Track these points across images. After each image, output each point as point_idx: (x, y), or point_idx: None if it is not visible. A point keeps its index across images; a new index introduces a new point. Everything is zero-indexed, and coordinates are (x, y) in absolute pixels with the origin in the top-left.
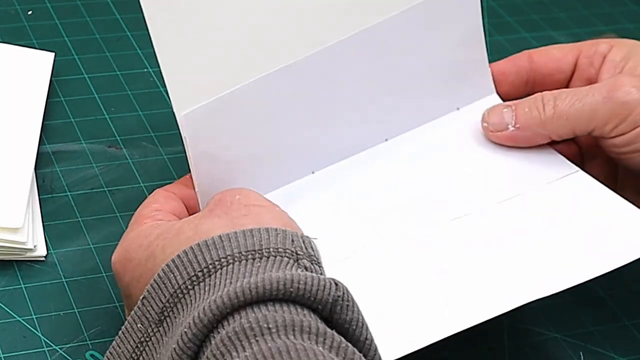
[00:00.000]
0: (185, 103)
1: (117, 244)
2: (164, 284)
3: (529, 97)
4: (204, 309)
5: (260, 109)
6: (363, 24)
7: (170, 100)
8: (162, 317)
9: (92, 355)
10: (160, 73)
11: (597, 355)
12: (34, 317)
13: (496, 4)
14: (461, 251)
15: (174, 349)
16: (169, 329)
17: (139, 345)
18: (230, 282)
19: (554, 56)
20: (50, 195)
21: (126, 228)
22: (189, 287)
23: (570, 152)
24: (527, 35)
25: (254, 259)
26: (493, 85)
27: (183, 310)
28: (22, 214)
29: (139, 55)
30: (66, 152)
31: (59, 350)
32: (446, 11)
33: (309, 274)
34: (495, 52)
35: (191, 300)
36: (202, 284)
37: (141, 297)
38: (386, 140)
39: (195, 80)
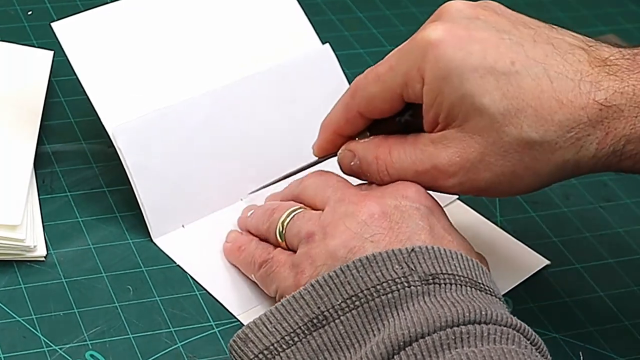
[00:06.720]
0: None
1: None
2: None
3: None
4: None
5: (185, 127)
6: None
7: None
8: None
9: (92, 356)
10: None
11: (597, 355)
12: (33, 317)
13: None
14: None
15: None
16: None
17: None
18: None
19: (381, 108)
20: (50, 196)
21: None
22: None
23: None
24: None
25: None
26: None
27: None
28: (21, 211)
29: None
30: (66, 152)
31: (59, 350)
32: (310, 72)
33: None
34: None
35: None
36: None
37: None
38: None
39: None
